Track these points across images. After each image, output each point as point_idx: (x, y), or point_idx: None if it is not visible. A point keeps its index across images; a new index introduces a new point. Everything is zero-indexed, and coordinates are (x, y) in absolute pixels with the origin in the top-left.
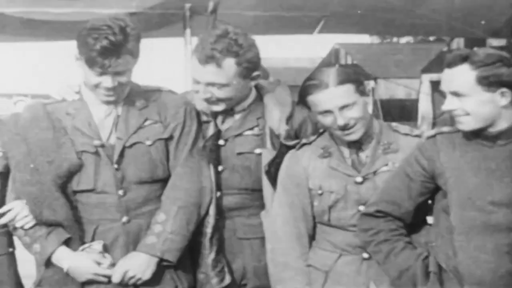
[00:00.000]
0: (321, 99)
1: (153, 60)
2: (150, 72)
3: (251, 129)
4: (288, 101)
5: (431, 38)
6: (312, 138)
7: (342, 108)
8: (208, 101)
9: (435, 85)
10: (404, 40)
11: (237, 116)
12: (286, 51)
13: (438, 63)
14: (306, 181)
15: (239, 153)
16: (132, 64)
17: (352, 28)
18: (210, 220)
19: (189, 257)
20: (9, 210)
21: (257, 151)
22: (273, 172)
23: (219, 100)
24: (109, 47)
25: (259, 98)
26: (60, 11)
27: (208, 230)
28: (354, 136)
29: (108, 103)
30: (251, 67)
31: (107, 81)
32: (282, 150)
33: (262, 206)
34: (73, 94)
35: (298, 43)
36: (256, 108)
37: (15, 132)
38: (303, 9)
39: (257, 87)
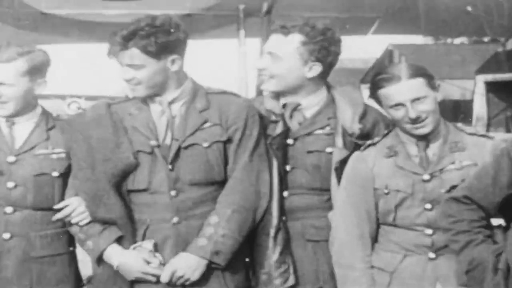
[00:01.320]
0: (393, 92)
1: (207, 61)
2: (204, 73)
3: (322, 128)
4: (360, 101)
5: (486, 39)
6: (377, 139)
7: (414, 100)
8: (263, 77)
9: (490, 86)
10: (458, 40)
11: (307, 113)
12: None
13: (493, 64)
14: (372, 181)
15: (310, 151)
16: (145, 62)
17: (406, 29)
18: (273, 220)
19: (241, 260)
20: (66, 206)
21: (328, 149)
22: (342, 169)
23: (271, 77)
24: (118, 40)
25: (331, 100)
26: (114, 12)
27: (271, 230)
28: (425, 129)
29: (142, 100)
30: (315, 53)
31: (123, 72)
32: (355, 150)
33: (330, 207)
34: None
35: (352, 44)
36: (328, 108)
37: (78, 131)
38: (358, 10)
39: (328, 88)
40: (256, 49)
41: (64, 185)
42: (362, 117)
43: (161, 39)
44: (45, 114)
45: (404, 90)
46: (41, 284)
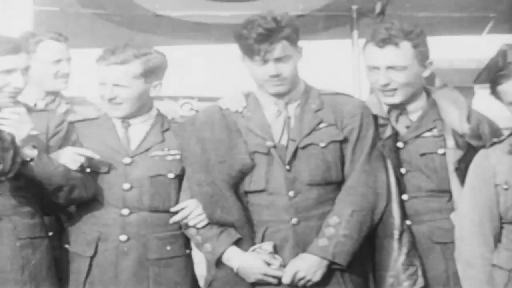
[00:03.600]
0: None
1: (320, 62)
2: (317, 74)
3: (430, 130)
4: (463, 102)
5: None
6: (503, 136)
7: None
8: (385, 89)
9: None
10: None
11: (413, 117)
12: (452, 52)
13: None
14: (494, 178)
15: (423, 154)
16: (292, 52)
17: None
18: (396, 222)
19: (360, 261)
20: (182, 209)
21: (440, 151)
22: (463, 169)
23: (395, 89)
24: (263, 33)
25: (433, 102)
26: (227, 14)
27: (395, 232)
28: None
29: (278, 96)
30: (425, 52)
31: (271, 68)
32: (469, 149)
33: (452, 209)
34: (238, 105)
35: (465, 44)
36: (431, 110)
37: (191, 134)
38: (472, 9)
39: (426, 90)
40: None
41: (179, 187)
42: (468, 118)
43: (296, 28)
44: (160, 116)
45: None
46: (158, 287)
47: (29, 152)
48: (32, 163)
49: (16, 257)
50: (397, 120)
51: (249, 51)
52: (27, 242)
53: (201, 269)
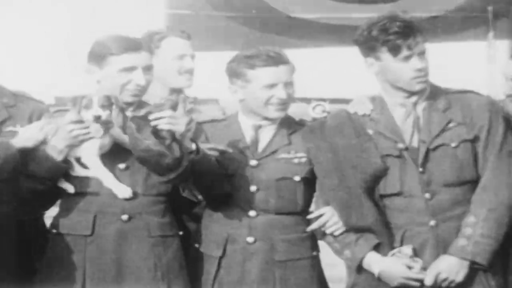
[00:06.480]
0: None
1: (455, 64)
2: (452, 76)
3: None
4: None
5: None
6: None
7: None
8: None
9: None
10: None
11: None
12: None
13: None
14: None
15: None
16: (426, 49)
17: None
18: None
19: (499, 260)
20: (319, 216)
21: None
22: None
23: None
24: (403, 26)
25: None
26: (361, 16)
27: None
28: None
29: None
30: None
31: (416, 62)
32: None
33: None
34: (365, 109)
35: None
36: None
37: (321, 139)
38: None
39: None
40: (505, 51)
41: (306, 190)
42: None
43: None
44: (287, 118)
45: None
46: None
47: (189, 145)
48: (193, 156)
49: (149, 256)
50: None
51: (394, 48)
52: (158, 241)
53: (332, 270)
